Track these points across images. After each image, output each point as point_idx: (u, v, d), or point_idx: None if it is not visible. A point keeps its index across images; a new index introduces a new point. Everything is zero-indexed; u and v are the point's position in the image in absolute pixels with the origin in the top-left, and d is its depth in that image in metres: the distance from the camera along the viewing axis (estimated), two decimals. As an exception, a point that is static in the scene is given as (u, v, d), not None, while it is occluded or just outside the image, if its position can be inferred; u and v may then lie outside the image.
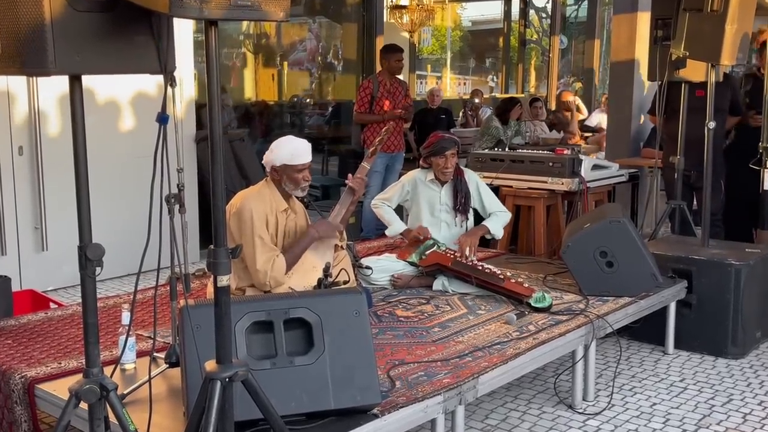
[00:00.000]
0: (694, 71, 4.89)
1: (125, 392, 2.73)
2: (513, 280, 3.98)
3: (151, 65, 2.11)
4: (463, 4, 18.20)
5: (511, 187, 5.55)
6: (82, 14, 1.94)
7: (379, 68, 7.14)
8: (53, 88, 5.26)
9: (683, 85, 5.08)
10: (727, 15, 4.19)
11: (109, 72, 2.08)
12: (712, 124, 4.73)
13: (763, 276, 4.60)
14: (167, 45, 2.11)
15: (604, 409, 3.69)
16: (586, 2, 14.51)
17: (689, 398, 3.85)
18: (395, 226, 4.46)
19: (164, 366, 2.93)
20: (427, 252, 4.21)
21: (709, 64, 4.58)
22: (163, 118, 2.12)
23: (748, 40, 4.52)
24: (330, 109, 10.41)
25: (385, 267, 4.30)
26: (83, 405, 2.17)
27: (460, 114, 11.45)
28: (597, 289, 4.06)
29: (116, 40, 2.02)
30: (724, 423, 3.58)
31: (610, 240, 4.09)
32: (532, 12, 15.32)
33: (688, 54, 4.43)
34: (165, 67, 2.13)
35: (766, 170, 5.20)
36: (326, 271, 3.22)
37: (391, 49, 7.08)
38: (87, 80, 2.09)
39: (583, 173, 5.43)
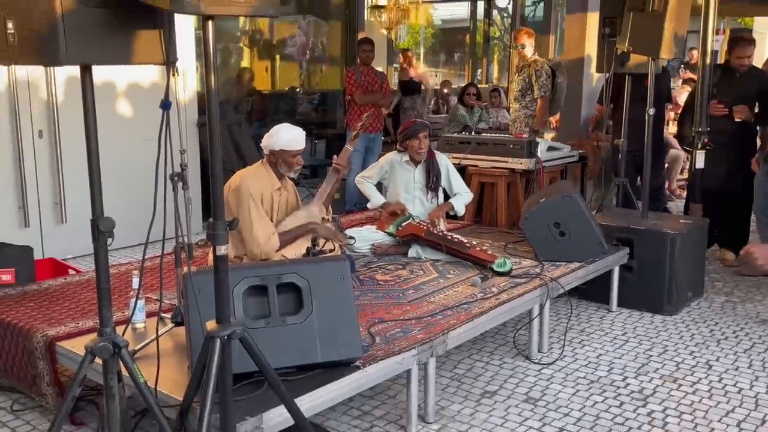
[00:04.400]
0: (637, 64, 4.89)
1: (136, 348, 2.70)
2: (478, 248, 3.97)
3: (154, 56, 2.06)
4: (435, 4, 18.09)
5: (476, 166, 5.53)
6: (91, 9, 1.88)
7: (358, 60, 7.07)
8: (69, 76, 5.15)
9: (626, 76, 5.07)
10: (666, 15, 4.17)
11: (117, 62, 2.02)
12: (652, 111, 4.73)
13: (694, 243, 4.64)
14: (169, 38, 2.05)
15: (557, 360, 3.72)
16: (542, 3, 14.42)
17: (630, 349, 3.89)
18: (375, 200, 4.45)
19: (170, 325, 2.90)
20: (403, 224, 4.20)
21: (650, 58, 4.56)
22: (165, 105, 2.06)
23: (684, 37, 4.51)
24: (317, 97, 10.32)
25: (366, 237, 4.28)
26: (98, 360, 2.13)
27: (432, 102, 11.38)
28: (551, 255, 4.07)
29: (122, 33, 1.96)
30: (660, 370, 3.62)
31: (563, 213, 4.10)
32: (495, 12, 15.19)
33: (632, 49, 4.41)
34: (168, 57, 2.07)
35: (697, 151, 5.23)
36: (314, 241, 3.20)
37: (361, 41, 7.05)
38: (98, 69, 2.03)
39: (539, 154, 5.43)
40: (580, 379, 3.50)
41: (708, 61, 5.14)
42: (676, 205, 7.20)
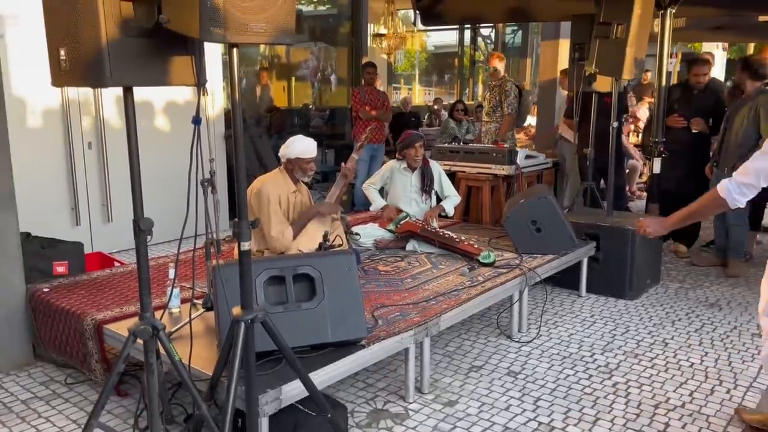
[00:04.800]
0: (603, 84, 4.87)
1: (172, 330, 2.69)
2: (466, 242, 3.95)
3: (187, 78, 2.04)
4: (428, 33, 18.10)
5: (464, 172, 5.51)
6: (131, 39, 1.87)
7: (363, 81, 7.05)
8: (114, 95, 5.14)
9: (593, 94, 5.05)
10: (627, 41, 4.15)
11: (155, 84, 2.00)
12: (615, 124, 4.71)
13: (652, 238, 4.61)
14: (200, 62, 2.04)
15: (534, 338, 3.70)
16: (520, 31, 14.38)
17: (597, 329, 3.87)
18: (376, 204, 4.42)
19: (202, 310, 2.88)
20: (402, 222, 4.18)
21: (614, 78, 4.54)
22: (196, 121, 2.05)
23: (643, 61, 4.48)
24: (328, 112, 10.31)
25: (369, 233, 4.26)
26: (140, 341, 2.12)
27: (426, 116, 11.36)
28: (529, 248, 4.05)
29: (159, 58, 1.95)
30: (623, 348, 3.60)
31: (539, 212, 4.08)
32: (479, 39, 15.17)
33: (598, 71, 4.39)
34: (198, 80, 2.05)
35: (655, 159, 5.21)
36: (325, 237, 3.18)
37: (365, 65, 7.01)
38: (139, 89, 2.02)
39: (518, 162, 5.41)
40: (554, 355, 3.48)
41: (664, 81, 5.11)
42: (636, 205, 7.18)
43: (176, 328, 2.72)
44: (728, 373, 3.27)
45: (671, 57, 17.65)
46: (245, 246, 2.01)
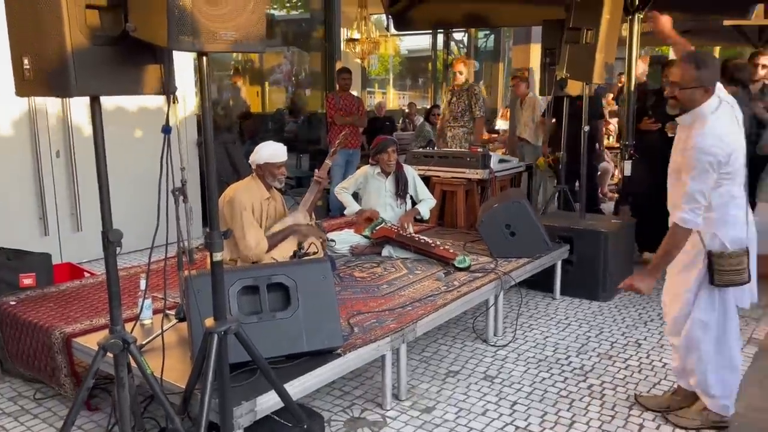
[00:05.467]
0: (574, 88, 4.93)
1: (144, 342, 2.64)
2: (441, 247, 3.96)
3: (156, 87, 2.00)
4: (401, 37, 18.17)
5: (439, 176, 5.52)
6: (97, 47, 1.83)
7: (337, 87, 7.03)
8: (83, 102, 5.04)
9: (565, 98, 5.11)
10: (596, 46, 4.21)
11: (122, 93, 1.97)
12: (586, 128, 4.76)
13: (624, 240, 4.69)
14: (168, 71, 2.01)
15: (510, 342, 3.72)
16: (492, 35, 14.52)
17: (572, 331, 3.91)
18: (351, 208, 4.41)
19: (174, 321, 2.84)
20: (377, 227, 4.17)
21: (584, 83, 4.60)
22: (166, 129, 2.02)
23: (612, 65, 4.55)
24: (302, 117, 10.25)
25: (345, 239, 4.24)
26: (110, 354, 2.08)
27: (400, 121, 11.38)
28: (503, 252, 4.07)
29: (127, 67, 1.91)
30: (597, 349, 3.64)
31: (513, 216, 4.10)
32: (452, 43, 15.26)
33: (569, 75, 4.44)
34: (167, 88, 2.02)
35: (625, 161, 5.29)
36: (299, 244, 3.15)
37: (340, 71, 6.99)
38: (106, 98, 1.98)
39: (492, 166, 5.44)
40: (530, 358, 3.50)
41: (633, 85, 5.18)
42: (608, 207, 7.28)
43: (148, 340, 2.67)
44: (699, 372, 3.32)
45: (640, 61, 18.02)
46: (217, 257, 1.98)
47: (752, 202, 4.92)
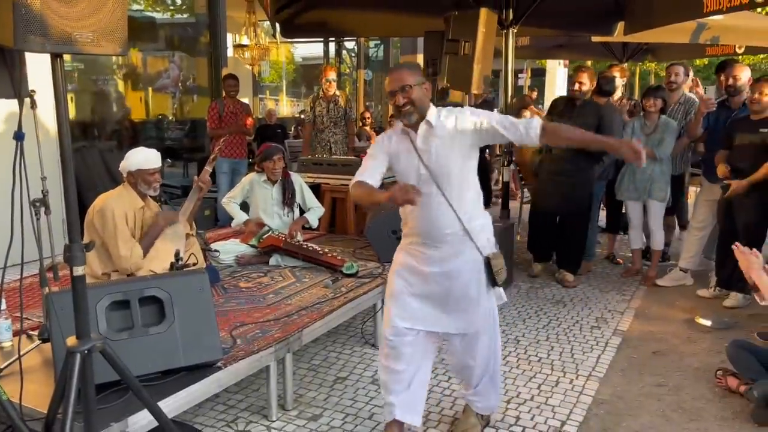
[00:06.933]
0: (457, 97, 5.13)
1: (1, 367, 2.43)
2: (330, 254, 3.97)
3: (5, 91, 1.86)
4: (295, 45, 18.08)
5: (328, 183, 5.54)
6: (-67, 46, 1.67)
7: (224, 93, 6.87)
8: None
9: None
10: (474, 57, 4.40)
11: (-35, 97, 1.81)
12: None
13: (504, 241, 4.85)
14: (20, 74, 1.87)
15: (398, 345, 3.78)
16: (382, 45, 14.81)
17: (457, 332, 4.03)
18: (238, 219, 4.32)
19: (38, 342, 2.64)
20: (264, 236, 4.11)
21: (465, 93, 4.80)
22: (19, 136, 1.88)
23: (489, 77, 4.74)
24: (188, 124, 9.90)
25: (230, 249, 4.14)
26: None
27: (293, 128, 11.30)
28: (390, 257, 4.04)
29: (-31, 68, 1.76)
30: (480, 348, 3.78)
31: (398, 221, 4.16)
32: (344, 52, 15.40)
33: (449, 85, 4.61)
34: (19, 92, 1.88)
35: (504, 168, 5.56)
36: (177, 256, 3.03)
37: (226, 77, 6.87)
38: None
39: (380, 172, 5.52)
40: (416, 360, 3.57)
41: (510, 96, 5.45)
42: (493, 212, 7.59)
43: (6, 364, 2.46)
44: (571, 364, 3.56)
45: (522, 73, 19.03)
46: (79, 271, 1.86)
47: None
